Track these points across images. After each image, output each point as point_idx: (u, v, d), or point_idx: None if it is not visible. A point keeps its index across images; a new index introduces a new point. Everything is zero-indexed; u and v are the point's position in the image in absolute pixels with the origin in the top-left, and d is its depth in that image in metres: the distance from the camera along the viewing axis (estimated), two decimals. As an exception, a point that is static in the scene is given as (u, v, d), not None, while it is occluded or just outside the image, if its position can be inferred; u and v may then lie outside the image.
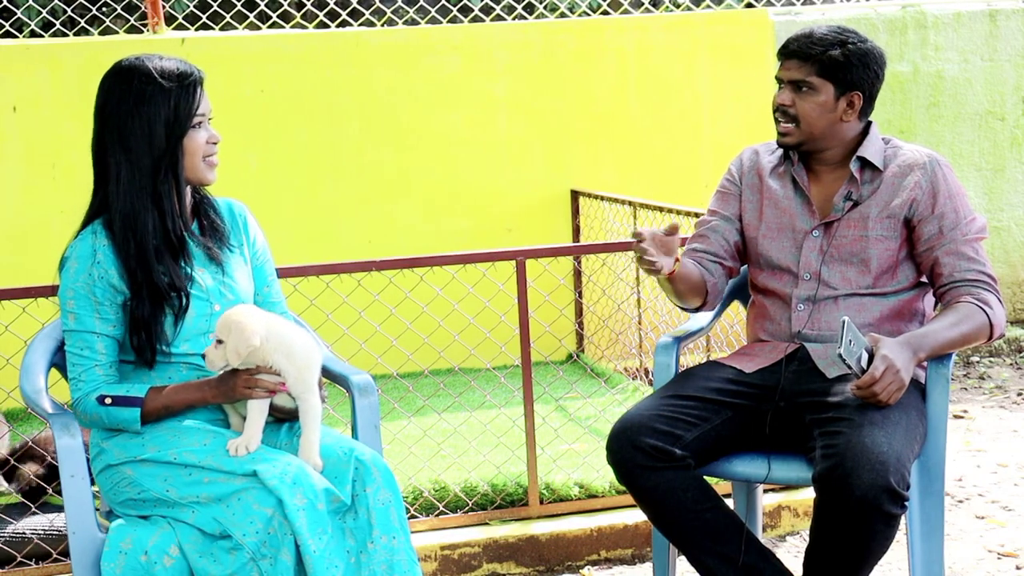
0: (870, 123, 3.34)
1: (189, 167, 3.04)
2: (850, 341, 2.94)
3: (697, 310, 3.45)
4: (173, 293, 3.00)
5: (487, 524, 4.20)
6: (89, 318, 2.98)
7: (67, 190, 5.73)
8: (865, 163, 3.29)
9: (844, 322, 2.93)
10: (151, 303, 2.98)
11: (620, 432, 3.14)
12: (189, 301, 3.03)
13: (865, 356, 3.00)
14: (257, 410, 2.98)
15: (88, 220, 3.05)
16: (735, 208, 3.43)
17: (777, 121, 3.30)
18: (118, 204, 2.99)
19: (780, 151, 3.39)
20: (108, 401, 2.96)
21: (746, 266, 3.50)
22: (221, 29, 6.66)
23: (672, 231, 3.15)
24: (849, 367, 2.95)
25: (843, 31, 3.26)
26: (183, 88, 3.00)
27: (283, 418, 3.09)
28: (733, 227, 3.43)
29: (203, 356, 2.97)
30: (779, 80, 3.30)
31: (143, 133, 2.98)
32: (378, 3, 6.72)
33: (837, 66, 3.22)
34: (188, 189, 3.10)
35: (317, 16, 6.86)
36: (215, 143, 3.07)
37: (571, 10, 7.52)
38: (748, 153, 3.47)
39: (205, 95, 3.05)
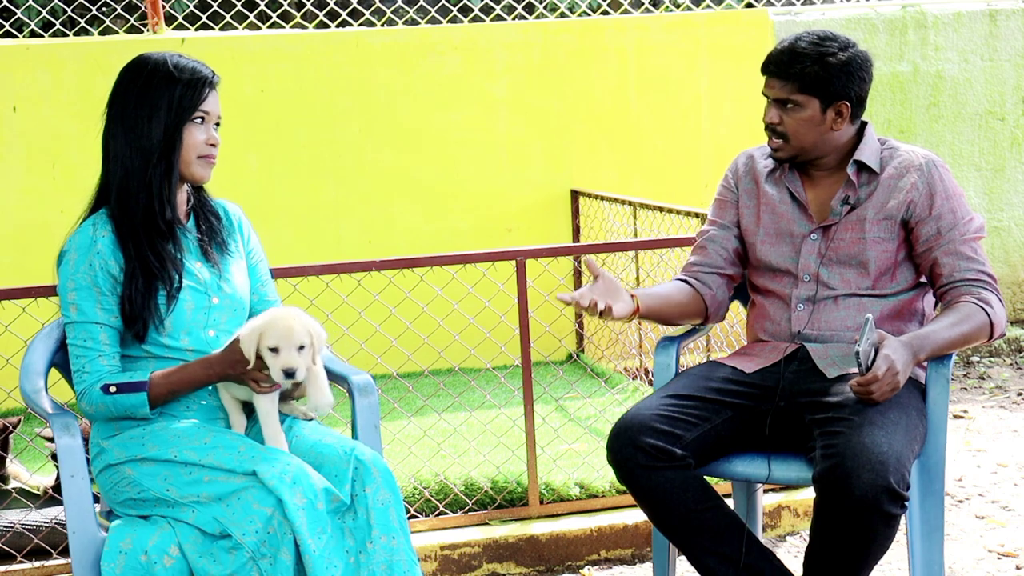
0: (865, 124, 3.33)
1: (184, 161, 3.06)
2: (867, 340, 2.94)
3: (705, 324, 3.48)
4: (163, 273, 3.01)
5: (487, 524, 4.21)
6: (91, 309, 2.99)
7: (67, 190, 5.73)
8: (861, 166, 3.29)
9: (868, 320, 2.94)
10: (143, 281, 2.99)
11: (620, 432, 3.14)
12: (181, 282, 3.04)
13: (872, 353, 3.00)
14: (271, 416, 3.00)
15: (92, 208, 3.08)
16: (732, 215, 3.44)
17: (769, 137, 3.31)
18: (115, 181, 3.03)
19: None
20: (113, 389, 2.96)
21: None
22: (221, 29, 6.66)
23: (594, 273, 3.15)
24: (859, 364, 2.95)
25: (822, 41, 3.22)
26: (192, 81, 3.04)
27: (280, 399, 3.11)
28: (731, 234, 3.44)
29: (289, 372, 2.92)
30: (765, 96, 3.30)
31: (145, 117, 3.02)
32: (378, 3, 6.72)
33: (818, 80, 3.21)
34: (186, 187, 3.12)
35: (317, 16, 6.86)
36: (214, 145, 3.08)
37: (571, 10, 7.52)
38: (743, 159, 3.48)
39: (215, 97, 3.07)
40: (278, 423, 3.02)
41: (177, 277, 3.04)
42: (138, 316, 3.00)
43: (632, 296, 3.21)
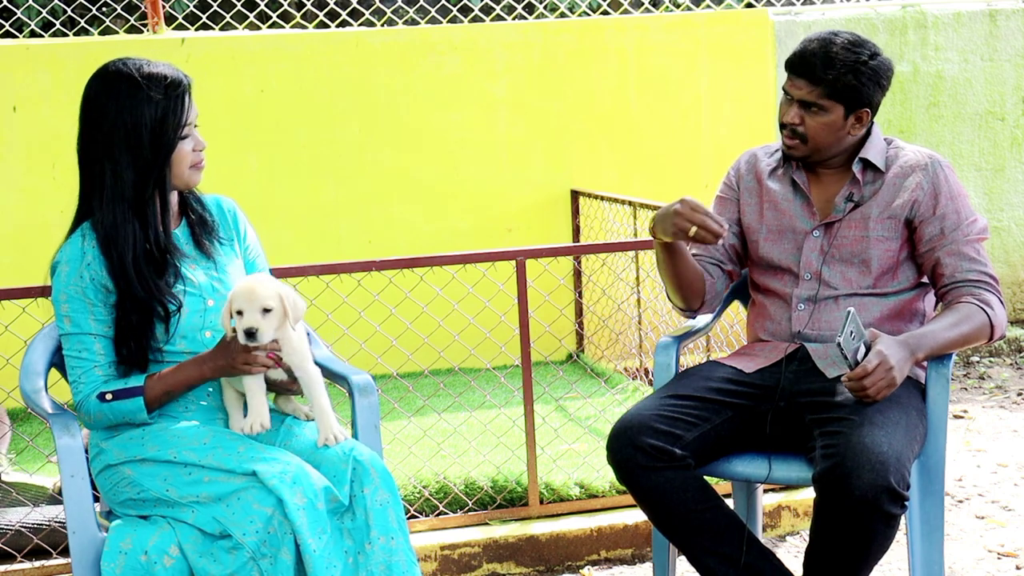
0: (872, 124, 3.33)
1: (176, 175, 3.02)
2: (851, 332, 2.94)
3: (696, 312, 3.45)
4: (157, 304, 2.99)
5: (487, 524, 4.20)
6: (84, 320, 2.98)
7: (67, 190, 5.68)
8: (867, 164, 3.29)
9: (849, 312, 2.94)
10: (137, 314, 2.97)
11: (620, 432, 3.14)
12: (180, 309, 3.01)
13: (863, 350, 3.00)
14: (256, 387, 2.99)
15: (77, 218, 3.05)
16: (732, 213, 3.44)
17: (784, 135, 3.29)
18: (100, 215, 2.97)
19: (779, 153, 3.39)
20: (109, 397, 2.95)
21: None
22: (221, 29, 6.66)
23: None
24: (845, 357, 2.95)
25: (854, 48, 3.19)
26: (171, 100, 2.96)
27: (277, 390, 3.10)
28: (730, 230, 3.43)
29: (250, 331, 2.88)
30: (786, 93, 3.28)
31: (129, 144, 2.95)
32: (378, 3, 6.72)
33: (848, 89, 3.19)
34: (174, 193, 3.08)
35: (317, 16, 6.86)
36: (201, 150, 3.05)
37: (571, 10, 7.51)
38: (746, 157, 3.47)
39: (192, 101, 3.01)
40: (263, 397, 3.01)
41: (176, 304, 3.01)
42: (136, 355, 2.99)
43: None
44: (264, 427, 2.98)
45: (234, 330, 2.93)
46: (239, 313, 2.91)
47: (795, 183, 3.35)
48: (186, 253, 3.08)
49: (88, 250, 2.98)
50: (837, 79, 3.18)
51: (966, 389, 6.11)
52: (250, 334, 2.90)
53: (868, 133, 3.31)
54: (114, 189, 2.96)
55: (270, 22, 6.67)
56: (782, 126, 3.28)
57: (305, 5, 6.90)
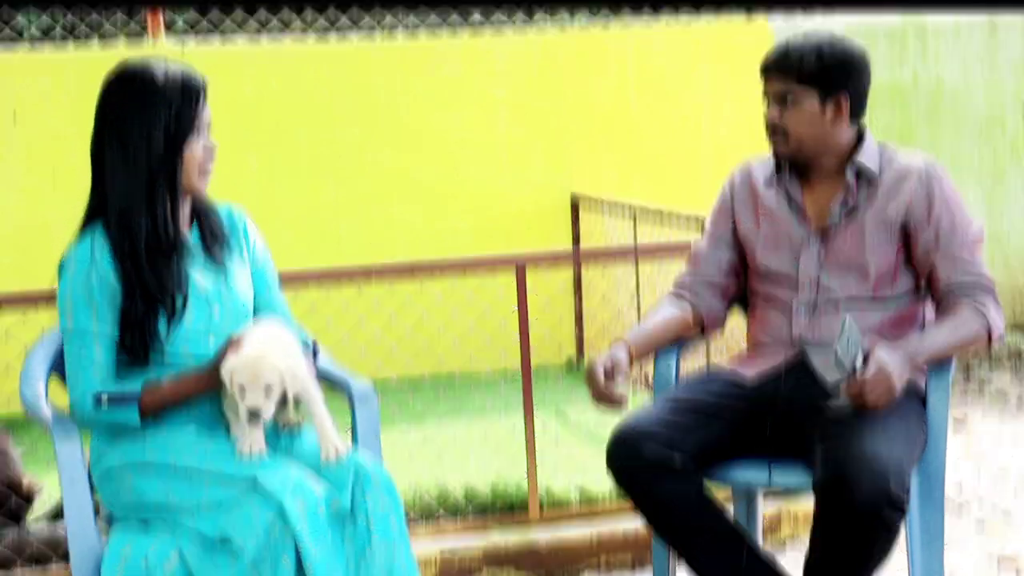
0: (864, 129, 3.33)
1: (187, 174, 3.03)
2: (848, 340, 2.94)
3: (702, 336, 3.48)
4: (165, 295, 2.99)
5: (487, 531, 4.20)
6: (87, 320, 2.98)
7: (68, 197, 5.70)
8: (860, 171, 3.28)
9: (845, 320, 2.94)
10: (144, 303, 2.98)
11: (620, 439, 3.14)
12: (186, 304, 3.02)
13: (861, 358, 2.99)
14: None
15: (86, 221, 3.06)
16: (726, 226, 3.43)
17: (769, 135, 3.30)
18: (113, 204, 2.99)
19: (774, 163, 3.39)
20: (104, 399, 2.95)
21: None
22: (221, 34, 6.67)
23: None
24: (843, 366, 2.95)
25: (814, 35, 3.26)
26: (186, 96, 2.99)
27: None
28: (724, 244, 3.43)
29: (254, 413, 2.90)
30: (766, 95, 3.30)
31: (142, 137, 2.97)
32: (379, 10, 6.72)
33: (815, 71, 3.21)
34: (188, 201, 3.09)
35: (317, 20, 6.86)
36: (212, 151, 3.06)
37: (572, 18, 7.52)
38: (739, 169, 3.47)
39: (207, 104, 3.04)
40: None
41: (181, 299, 3.01)
42: (138, 346, 2.99)
43: (629, 352, 3.25)
44: (261, 453, 2.97)
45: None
46: (241, 389, 2.91)
47: (789, 192, 3.35)
48: (194, 252, 3.08)
49: (98, 250, 2.98)
50: (801, 62, 3.21)
51: (966, 395, 6.11)
52: (253, 414, 2.91)
53: (860, 139, 3.31)
54: (126, 182, 2.98)
55: (270, 24, 6.67)
56: (766, 127, 3.30)
57: (304, 9, 6.90)
